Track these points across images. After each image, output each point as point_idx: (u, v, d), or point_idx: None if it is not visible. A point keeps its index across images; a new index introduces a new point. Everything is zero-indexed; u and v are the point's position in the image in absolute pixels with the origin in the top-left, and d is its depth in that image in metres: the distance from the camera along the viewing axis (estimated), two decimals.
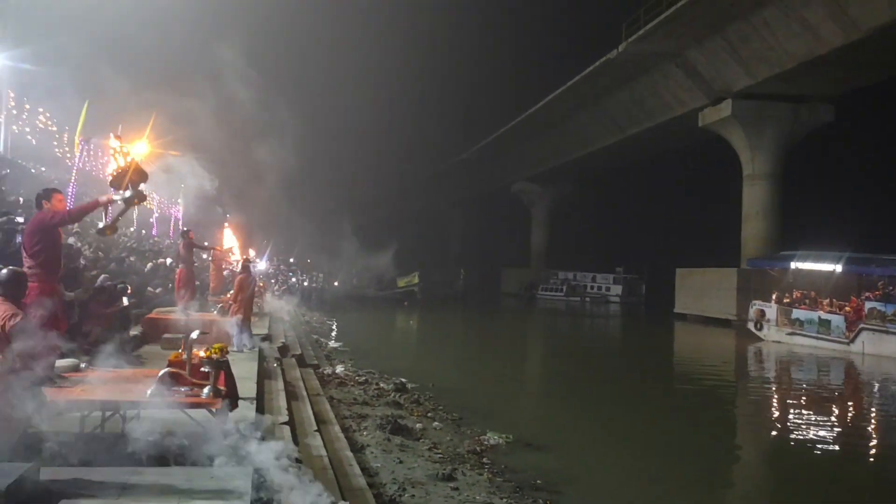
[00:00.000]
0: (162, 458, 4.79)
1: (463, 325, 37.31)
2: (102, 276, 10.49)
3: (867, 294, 24.06)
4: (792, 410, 14.66)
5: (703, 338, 31.35)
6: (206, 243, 17.94)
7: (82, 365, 5.95)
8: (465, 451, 9.33)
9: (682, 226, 62.81)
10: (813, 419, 13.72)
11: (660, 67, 36.53)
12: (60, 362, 5.59)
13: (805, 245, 28.83)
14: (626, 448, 10.79)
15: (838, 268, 25.64)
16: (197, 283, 13.32)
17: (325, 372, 14.20)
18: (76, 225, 14.28)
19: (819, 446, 11.30)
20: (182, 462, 4.76)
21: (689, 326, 36.13)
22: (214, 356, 5.43)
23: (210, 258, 16.72)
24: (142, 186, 5.65)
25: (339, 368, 15.16)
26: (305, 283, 44.27)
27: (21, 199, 13.70)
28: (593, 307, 56.04)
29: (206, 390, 5.29)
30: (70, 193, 16.67)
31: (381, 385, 13.71)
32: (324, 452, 7.15)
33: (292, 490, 4.86)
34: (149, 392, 5.17)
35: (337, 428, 8.88)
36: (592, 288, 64.76)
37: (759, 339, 27.10)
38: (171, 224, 32.20)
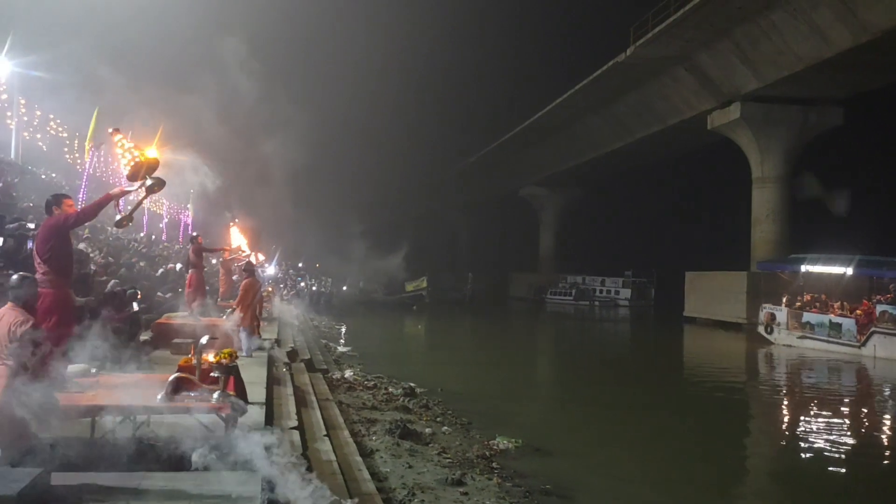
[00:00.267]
0: (172, 462, 4.79)
1: (472, 330, 37.27)
2: (113, 281, 10.56)
3: (878, 297, 23.89)
4: (803, 415, 14.57)
5: (712, 341, 31.20)
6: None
7: (93, 370, 5.97)
8: (474, 455, 9.30)
9: (692, 229, 62.73)
10: (824, 424, 13.62)
11: (668, 70, 36.46)
12: (71, 367, 5.61)
13: (815, 248, 28.66)
14: (637, 453, 10.73)
15: (849, 271, 25.47)
16: (207, 287, 13.35)
17: (333, 377, 14.21)
18: (87, 230, 14.41)
19: (831, 451, 11.21)
20: (192, 467, 4.76)
21: (699, 330, 35.98)
22: (224, 361, 5.44)
23: (219, 263, 16.77)
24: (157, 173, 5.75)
25: (348, 373, 15.17)
26: (314, 288, 44.34)
27: (31, 205, 13.79)
28: (602, 311, 55.91)
29: (215, 395, 5.30)
30: (80, 199, 16.79)
31: (390, 390, 13.71)
32: (333, 457, 7.15)
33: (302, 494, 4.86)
34: (159, 397, 5.19)
35: (346, 433, 8.88)
36: (601, 292, 64.63)
37: (770, 343, 26.95)
38: (181, 229, 32.39)
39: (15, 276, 4.55)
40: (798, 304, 26.74)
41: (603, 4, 58.83)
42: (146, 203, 25.37)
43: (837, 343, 24.06)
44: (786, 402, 16.21)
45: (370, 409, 11.56)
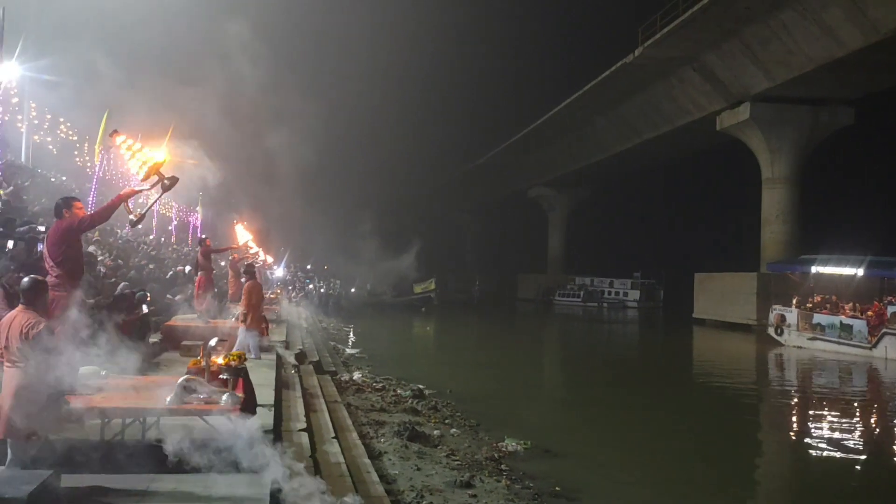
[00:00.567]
0: (181, 465, 4.81)
1: (480, 332, 37.25)
2: (122, 283, 10.59)
3: (890, 298, 23.74)
4: (814, 418, 14.48)
5: (722, 343, 31.06)
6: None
7: (103, 372, 5.99)
8: (483, 457, 9.29)
9: (701, 230, 62.54)
10: (836, 427, 13.53)
11: (677, 71, 36.36)
12: (81, 369, 5.63)
13: (826, 249, 28.49)
14: (646, 455, 10.69)
15: (860, 271, 25.31)
16: (215, 289, 13.39)
17: (342, 378, 14.23)
18: (97, 233, 14.48)
19: (842, 455, 11.14)
20: (200, 469, 4.78)
21: (708, 332, 35.84)
22: (233, 363, 5.46)
23: (228, 265, 16.83)
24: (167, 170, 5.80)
25: (357, 375, 15.18)
26: (322, 290, 44.42)
27: (41, 208, 13.86)
28: (611, 313, 55.75)
29: (224, 397, 5.31)
30: (91, 201, 16.88)
31: (399, 391, 13.71)
32: (341, 459, 7.16)
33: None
34: (168, 399, 5.20)
35: (354, 435, 8.89)
36: (610, 293, 64.47)
37: (780, 345, 26.81)
38: (190, 232, 32.51)
39: (26, 279, 4.58)
40: (808, 305, 26.60)
41: (610, 5, 58.77)
42: (156, 206, 25.44)
43: (848, 344, 23.90)
44: (796, 405, 16.10)
45: (379, 411, 11.56)
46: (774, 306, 28.55)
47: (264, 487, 4.65)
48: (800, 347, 25.72)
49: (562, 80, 52.24)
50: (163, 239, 27.28)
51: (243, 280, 18.03)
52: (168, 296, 14.25)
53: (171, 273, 16.18)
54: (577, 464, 9.69)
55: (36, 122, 24.54)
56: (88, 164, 27.16)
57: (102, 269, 11.63)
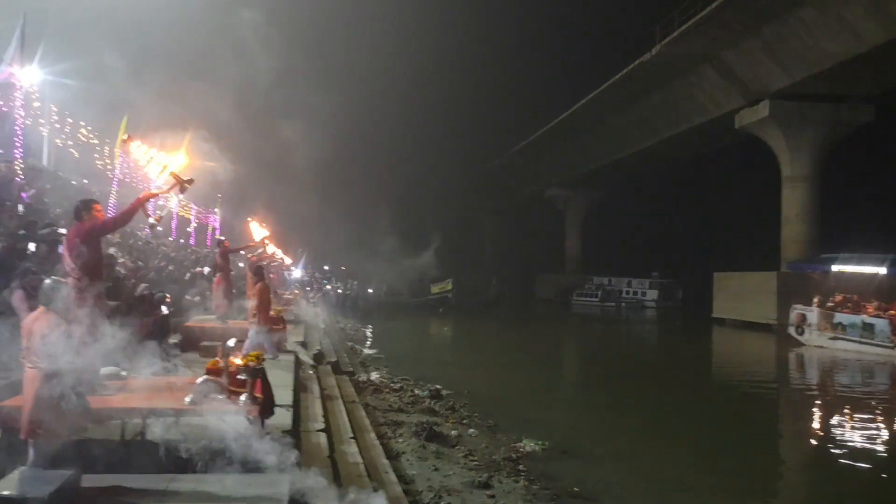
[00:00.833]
0: (200, 465, 4.84)
1: (497, 332, 37.19)
2: (142, 285, 10.69)
3: None
4: (836, 418, 14.30)
5: (742, 343, 30.79)
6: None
7: (123, 373, 6.05)
8: (500, 458, 9.27)
9: (720, 229, 61.96)
10: (858, 427, 13.35)
11: (695, 69, 36.11)
12: (102, 370, 5.68)
13: (847, 247, 28.16)
14: (665, 455, 10.61)
15: (882, 270, 24.98)
16: (234, 290, 13.47)
17: (360, 379, 14.27)
18: (117, 236, 14.62)
19: (864, 456, 10.99)
20: (219, 469, 4.80)
21: (728, 331, 35.54)
22: (251, 364, 5.48)
23: (247, 266, 16.92)
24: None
25: (375, 375, 15.23)
26: (340, 291, 44.57)
27: (61, 211, 14.01)
28: (629, 313, 55.46)
29: (242, 398, 5.34)
30: (111, 204, 17.05)
31: (416, 392, 13.72)
32: (360, 459, 7.18)
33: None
34: (187, 399, 5.23)
35: (372, 435, 8.91)
36: (628, 293, 64.18)
37: (801, 344, 26.52)
38: (209, 233, 32.74)
39: (48, 281, 4.62)
40: (829, 304, 26.28)
41: (628, 4, 58.45)
42: (175, 208, 25.57)
43: (870, 344, 23.59)
44: (819, 406, 15.90)
45: (396, 412, 11.58)
46: (795, 305, 28.23)
47: (283, 487, 4.66)
48: (821, 347, 25.42)
49: (578, 79, 52.01)
50: (182, 241, 27.48)
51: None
52: (187, 297, 14.36)
53: (189, 274, 16.30)
54: (596, 464, 9.64)
55: (57, 125, 24.78)
56: (109, 167, 27.40)
57: (122, 271, 11.73)
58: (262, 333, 10.43)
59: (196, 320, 12.10)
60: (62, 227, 10.99)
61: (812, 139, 34.49)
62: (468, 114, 67.85)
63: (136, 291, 10.01)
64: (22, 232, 9.67)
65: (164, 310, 10.26)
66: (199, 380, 5.44)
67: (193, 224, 31.43)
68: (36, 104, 21.18)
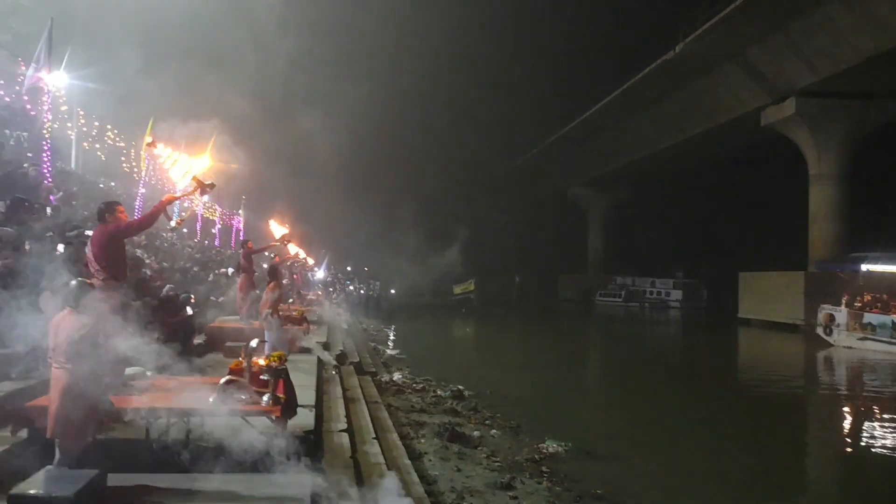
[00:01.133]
0: (224, 464, 4.86)
1: (520, 332, 37.06)
2: (168, 286, 10.79)
3: None
4: (866, 421, 14.05)
5: (768, 344, 30.41)
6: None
7: (148, 373, 6.11)
8: (523, 459, 9.23)
9: (745, 228, 61.23)
10: (889, 429, 13.11)
11: (719, 67, 35.75)
12: (127, 370, 5.75)
13: (877, 246, 27.69)
14: (689, 457, 10.51)
15: None
16: (257, 291, 13.57)
17: (382, 379, 14.29)
18: (143, 237, 14.79)
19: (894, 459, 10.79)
20: (243, 469, 4.83)
21: (754, 332, 35.12)
22: (273, 364, 5.51)
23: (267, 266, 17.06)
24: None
25: (397, 376, 15.24)
26: (362, 291, 44.72)
27: (88, 213, 14.18)
28: (653, 313, 55.00)
29: (265, 398, 5.36)
30: (138, 206, 17.26)
31: (439, 392, 13.71)
32: (382, 460, 7.17)
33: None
34: (211, 399, 5.27)
35: (395, 435, 8.91)
36: (651, 293, 63.71)
37: (829, 345, 26.13)
38: (233, 235, 33.03)
39: (73, 282, 4.68)
40: (858, 304, 25.85)
41: (651, 1, 57.98)
42: (199, 210, 25.79)
43: None
44: (847, 408, 15.65)
45: (419, 412, 11.58)
46: (823, 306, 27.83)
47: (305, 488, 4.68)
48: (849, 348, 25.02)
49: (601, 78, 51.68)
50: (206, 242, 27.74)
51: (286, 281, 18.37)
52: (212, 297, 14.49)
53: (213, 275, 16.44)
54: (620, 466, 9.56)
55: (84, 129, 25.15)
56: (135, 170, 27.75)
57: (148, 272, 11.85)
58: (272, 332, 10.42)
59: (220, 321, 12.20)
60: (89, 230, 11.13)
61: (839, 136, 34.00)
62: (491, 113, 67.76)
63: (162, 292, 10.10)
64: (50, 234, 9.80)
65: (189, 310, 10.33)
66: (223, 380, 5.47)
67: (218, 225, 31.71)
68: (63, 108, 21.50)
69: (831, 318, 26.61)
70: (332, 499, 4.90)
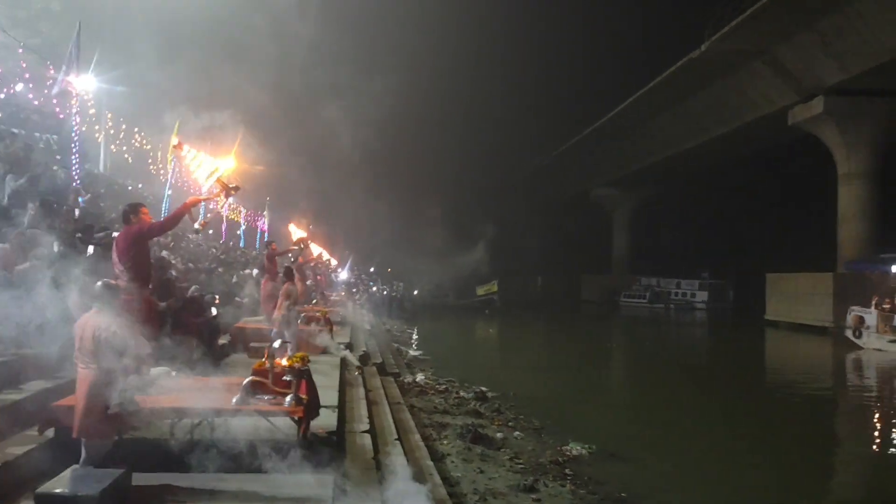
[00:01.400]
0: (246, 465, 4.89)
1: (543, 334, 36.92)
2: (193, 286, 10.88)
3: None
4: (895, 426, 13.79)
5: (796, 346, 29.97)
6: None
7: (173, 373, 6.15)
8: (547, 461, 9.18)
9: (772, 229, 60.45)
10: None
11: (745, 65, 35.32)
12: (152, 370, 5.79)
13: None
14: (715, 461, 10.37)
15: None
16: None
17: (405, 380, 14.30)
18: (170, 238, 14.96)
19: None
20: (266, 469, 4.85)
21: (782, 334, 34.62)
22: (296, 365, 5.52)
23: (294, 268, 17.17)
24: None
25: (420, 377, 15.23)
26: (385, 292, 44.84)
27: (116, 215, 14.36)
28: (678, 314, 54.45)
29: (288, 399, 5.38)
30: (165, 207, 17.47)
31: (462, 394, 13.69)
32: (404, 461, 7.16)
33: None
34: (234, 400, 5.30)
35: (417, 437, 8.90)
36: (677, 294, 63.09)
37: (858, 348, 25.67)
38: (257, 236, 33.32)
39: (99, 283, 4.73)
40: (889, 305, 25.37)
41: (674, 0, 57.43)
42: (225, 211, 26.00)
43: None
44: (878, 412, 15.34)
45: (441, 413, 11.57)
46: (852, 307, 27.34)
47: (327, 488, 4.68)
48: (880, 350, 24.55)
49: (625, 77, 51.32)
50: (231, 243, 27.99)
51: (309, 283, 18.47)
52: (236, 298, 14.60)
53: (237, 276, 16.57)
54: (644, 469, 9.47)
55: (112, 131, 25.54)
56: (161, 172, 28.10)
57: (174, 273, 11.97)
58: (275, 332, 10.41)
59: (244, 321, 12.29)
60: (116, 231, 11.27)
61: (869, 135, 33.41)
62: (514, 113, 67.64)
63: (187, 293, 10.19)
64: (78, 235, 9.94)
65: (214, 311, 10.41)
66: (246, 381, 5.50)
67: (243, 227, 32.01)
68: (91, 111, 21.83)
69: (861, 320, 26.15)
70: (354, 500, 4.91)
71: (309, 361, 5.80)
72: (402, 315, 37.57)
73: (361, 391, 9.88)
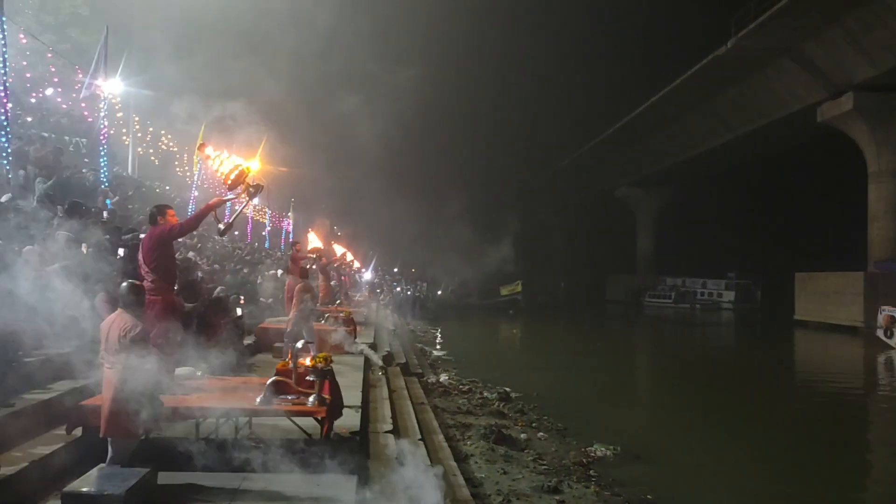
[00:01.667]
0: (270, 464, 4.92)
1: (567, 334, 36.73)
2: (218, 287, 10.98)
3: None
4: None
5: (826, 347, 29.48)
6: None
7: (198, 373, 6.22)
8: (570, 462, 9.13)
9: (801, 227, 59.58)
10: None
11: (772, 62, 34.83)
12: (178, 370, 5.86)
13: None
14: (744, 464, 10.24)
15: None
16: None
17: (429, 381, 14.30)
18: (196, 240, 15.12)
19: None
20: (289, 469, 4.87)
21: (811, 334, 34.10)
22: (319, 365, 5.54)
23: (317, 268, 17.27)
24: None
25: (443, 377, 15.23)
26: (409, 293, 44.93)
27: (143, 217, 14.53)
28: (704, 315, 53.83)
29: (311, 399, 5.40)
30: (191, 209, 17.68)
31: (485, 394, 13.66)
32: (428, 461, 7.16)
33: None
34: (258, 400, 5.33)
35: (441, 437, 8.89)
36: (703, 294, 62.41)
37: (889, 348, 25.18)
38: (283, 237, 33.58)
39: (124, 284, 4.78)
40: None
41: None
42: (248, 211, 26.21)
43: None
44: None
45: (465, 414, 11.56)
46: (883, 307, 26.85)
47: (350, 488, 4.70)
48: None
49: (650, 76, 50.84)
50: (256, 244, 28.23)
51: (333, 283, 18.56)
52: (261, 299, 14.72)
53: (260, 278, 16.69)
54: (669, 471, 9.37)
55: (139, 134, 25.89)
56: (188, 174, 28.42)
57: (200, 274, 12.09)
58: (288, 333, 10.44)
59: (269, 322, 12.38)
60: (143, 233, 11.42)
61: None
62: (538, 112, 67.27)
63: (213, 293, 10.28)
64: (107, 237, 10.08)
65: (239, 311, 10.51)
66: (269, 380, 5.53)
67: (268, 227, 32.27)
68: (119, 114, 22.14)
69: (892, 319, 25.67)
70: (377, 500, 4.92)
71: (332, 361, 5.82)
72: (426, 315, 37.62)
73: (385, 391, 9.90)
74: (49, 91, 20.64)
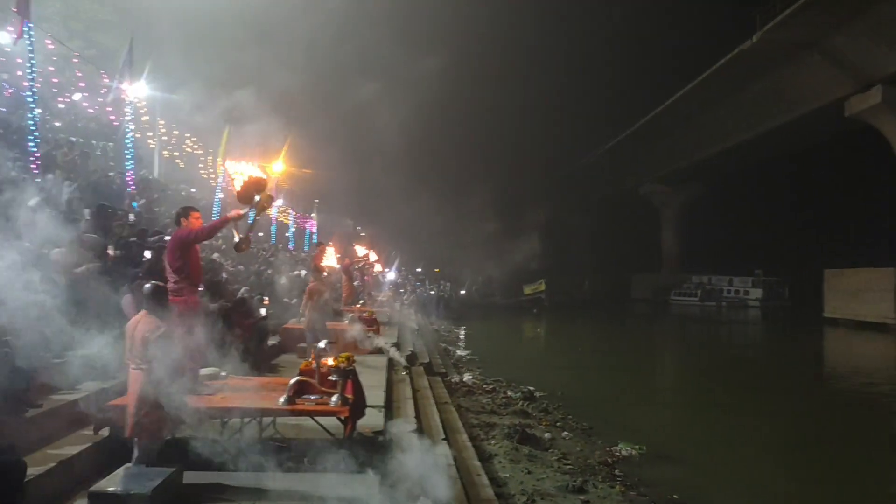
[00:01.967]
0: (294, 464, 4.94)
1: (592, 333, 36.49)
2: (243, 288, 11.07)
3: None
4: None
5: (856, 344, 28.99)
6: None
7: (223, 373, 6.26)
8: (595, 462, 9.07)
9: (829, 223, 58.61)
10: None
11: (798, 56, 34.32)
12: (202, 371, 5.90)
13: None
14: (771, 464, 10.09)
15: None
16: (327, 295, 13.77)
17: (452, 380, 14.29)
18: (221, 242, 15.25)
19: None
20: (313, 469, 4.89)
21: (841, 332, 33.55)
22: (342, 365, 5.56)
23: (340, 269, 17.34)
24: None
25: (467, 377, 15.21)
26: (432, 293, 44.97)
27: (169, 220, 14.69)
28: (731, 313, 53.19)
29: (334, 398, 5.42)
30: (214, 212, 17.85)
31: (509, 393, 13.61)
32: (451, 461, 7.14)
33: None
34: (281, 400, 5.36)
35: (465, 436, 8.87)
36: (729, 292, 61.72)
37: None
38: (306, 238, 33.75)
39: (148, 285, 4.84)
40: None
41: None
42: (271, 213, 26.32)
43: None
44: None
45: (489, 413, 11.52)
46: None
47: (374, 488, 4.70)
48: None
49: (674, 71, 50.26)
50: (280, 245, 28.40)
51: (357, 283, 18.64)
52: (286, 299, 14.80)
53: (286, 278, 16.78)
54: (695, 470, 9.27)
55: (164, 138, 26.17)
56: (213, 177, 28.70)
57: (224, 275, 12.20)
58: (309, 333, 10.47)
59: (293, 322, 12.45)
60: (169, 235, 11.54)
61: None
62: (562, 106, 66.79)
63: (238, 294, 10.37)
64: (133, 239, 10.21)
65: (263, 312, 10.58)
66: (293, 381, 5.56)
67: (292, 228, 32.45)
68: (145, 118, 22.41)
69: None
70: (400, 499, 4.91)
71: (354, 361, 5.84)
72: (449, 315, 37.62)
73: (409, 391, 9.91)
74: (77, 96, 20.94)
